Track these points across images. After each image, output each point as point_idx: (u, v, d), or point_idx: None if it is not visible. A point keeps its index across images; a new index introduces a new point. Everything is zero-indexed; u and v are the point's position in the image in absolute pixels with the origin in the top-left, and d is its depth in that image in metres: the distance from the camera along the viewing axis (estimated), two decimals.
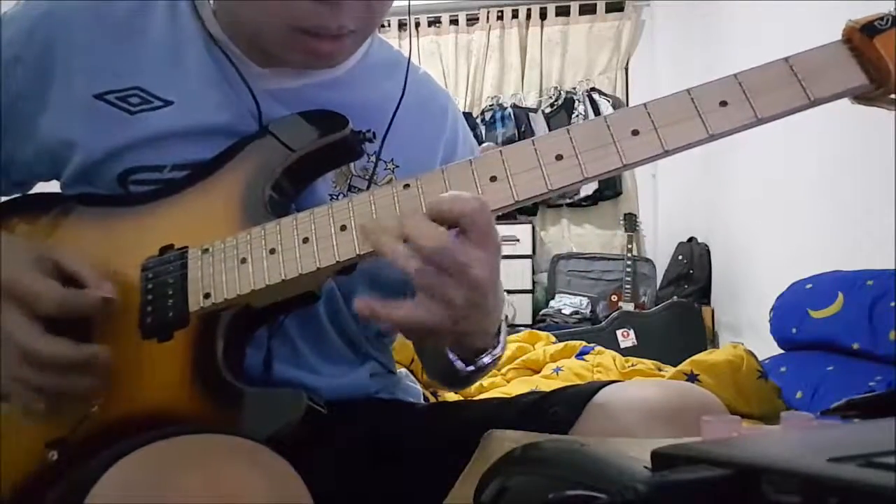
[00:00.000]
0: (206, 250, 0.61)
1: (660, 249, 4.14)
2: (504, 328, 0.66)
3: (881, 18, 0.52)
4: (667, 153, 0.54)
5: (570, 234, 4.48)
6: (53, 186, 0.73)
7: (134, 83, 0.68)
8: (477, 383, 1.98)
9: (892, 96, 0.53)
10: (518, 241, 4.17)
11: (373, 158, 0.73)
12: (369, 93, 0.75)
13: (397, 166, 0.74)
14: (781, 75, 0.53)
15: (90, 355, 0.56)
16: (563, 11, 4.46)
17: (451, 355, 0.64)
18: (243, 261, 0.59)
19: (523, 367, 2.14)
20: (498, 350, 0.64)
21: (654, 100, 0.55)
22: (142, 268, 0.62)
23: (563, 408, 0.64)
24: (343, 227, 0.58)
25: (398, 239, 0.52)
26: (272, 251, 0.59)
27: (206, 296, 0.59)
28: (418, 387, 0.91)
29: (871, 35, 0.51)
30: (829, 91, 0.52)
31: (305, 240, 0.58)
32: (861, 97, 0.54)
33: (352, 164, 0.72)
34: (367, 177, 0.73)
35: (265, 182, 0.64)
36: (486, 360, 0.64)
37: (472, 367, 0.64)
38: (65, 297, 0.57)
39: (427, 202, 0.54)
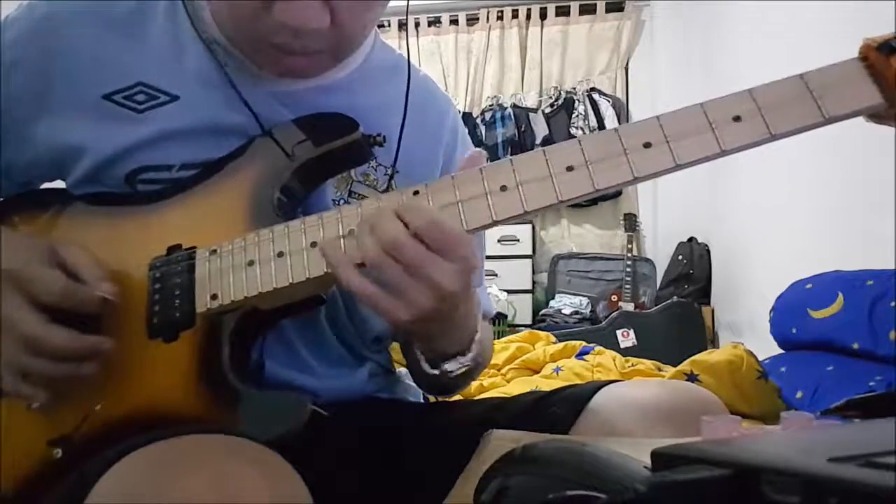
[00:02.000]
0: (214, 251, 0.61)
1: (660, 249, 4.14)
2: (479, 339, 0.66)
3: None
4: (678, 167, 0.54)
5: (570, 234, 4.47)
6: (58, 183, 0.73)
7: (137, 79, 0.68)
8: (477, 383, 1.99)
9: None
10: (518, 241, 4.17)
11: (373, 164, 0.73)
12: (370, 97, 0.75)
13: (398, 171, 0.74)
14: (796, 91, 0.53)
15: (92, 345, 0.56)
16: (563, 11, 4.45)
17: (418, 353, 0.66)
18: (251, 263, 0.59)
19: (523, 367, 2.14)
20: (466, 360, 0.65)
21: (667, 113, 0.55)
22: (149, 267, 0.62)
23: (563, 408, 0.64)
24: (352, 232, 0.58)
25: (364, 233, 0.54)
26: (280, 254, 0.59)
27: (213, 297, 0.59)
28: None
29: (888, 54, 0.51)
30: (843, 109, 0.52)
31: (314, 243, 0.58)
32: (875, 115, 0.53)
33: (352, 169, 0.72)
34: (367, 182, 0.73)
35: (274, 184, 0.64)
36: (450, 366, 0.65)
37: (435, 371, 0.65)
38: (67, 288, 0.57)
39: (414, 222, 0.53)
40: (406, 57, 0.78)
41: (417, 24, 4.52)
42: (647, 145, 0.54)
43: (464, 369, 0.65)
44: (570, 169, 0.55)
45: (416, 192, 0.58)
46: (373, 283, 0.54)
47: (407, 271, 0.53)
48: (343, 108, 0.69)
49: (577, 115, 4.28)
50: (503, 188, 0.56)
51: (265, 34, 0.62)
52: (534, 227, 4.33)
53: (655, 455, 0.28)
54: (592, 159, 0.55)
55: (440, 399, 0.81)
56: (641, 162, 0.54)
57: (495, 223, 0.56)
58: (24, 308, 0.56)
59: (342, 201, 0.72)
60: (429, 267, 0.53)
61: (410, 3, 0.77)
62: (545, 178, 0.55)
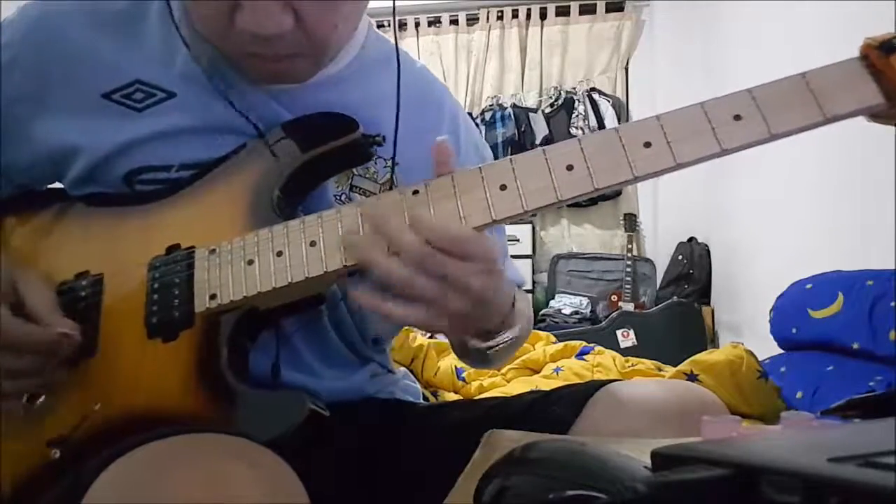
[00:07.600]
0: (213, 251, 0.61)
1: (660, 249, 4.14)
2: (519, 308, 0.67)
3: None
4: (679, 166, 0.54)
5: (570, 234, 4.47)
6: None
7: (133, 77, 0.68)
8: (477, 383, 1.99)
9: None
10: (518, 241, 4.17)
11: (380, 161, 0.73)
12: (366, 90, 0.74)
13: (397, 164, 0.74)
14: (796, 91, 0.53)
15: (55, 337, 0.56)
16: (563, 11, 4.45)
17: (469, 339, 0.66)
18: (250, 262, 0.59)
19: (523, 367, 2.14)
20: (512, 332, 0.66)
21: (667, 112, 0.54)
22: (148, 267, 0.62)
23: (563, 407, 0.64)
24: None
25: (385, 253, 0.54)
26: (279, 254, 0.59)
27: (213, 297, 0.59)
28: (417, 386, 0.91)
29: (888, 53, 0.51)
30: (844, 108, 0.52)
31: (313, 243, 0.58)
32: (876, 115, 0.53)
33: None
34: (367, 175, 0.73)
35: (273, 184, 0.64)
36: (498, 339, 0.66)
37: (486, 344, 0.66)
38: (8, 326, 0.55)
39: (434, 243, 0.54)
40: (403, 49, 0.78)
41: (417, 24, 4.52)
42: (648, 145, 0.54)
43: (510, 340, 0.66)
44: (569, 168, 0.55)
45: (415, 192, 0.58)
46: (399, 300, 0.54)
47: (440, 282, 0.53)
48: (337, 103, 0.68)
49: (577, 115, 4.28)
50: (503, 187, 0.56)
51: (238, 45, 0.62)
52: (534, 227, 4.33)
53: (655, 455, 0.28)
54: (592, 159, 0.54)
55: (440, 399, 0.81)
56: (641, 161, 0.54)
57: (495, 222, 0.56)
58: None
59: (343, 196, 0.72)
60: (458, 273, 0.53)
61: (411, 3, 0.76)
62: (545, 177, 0.55)
